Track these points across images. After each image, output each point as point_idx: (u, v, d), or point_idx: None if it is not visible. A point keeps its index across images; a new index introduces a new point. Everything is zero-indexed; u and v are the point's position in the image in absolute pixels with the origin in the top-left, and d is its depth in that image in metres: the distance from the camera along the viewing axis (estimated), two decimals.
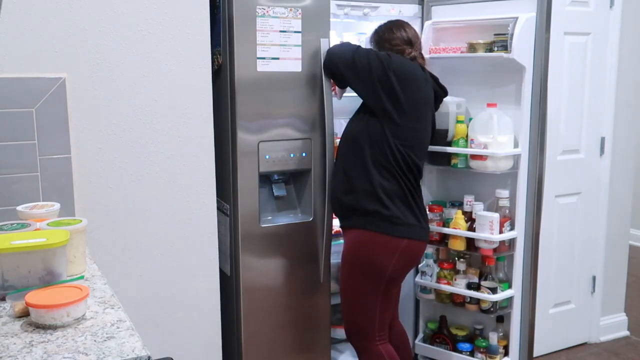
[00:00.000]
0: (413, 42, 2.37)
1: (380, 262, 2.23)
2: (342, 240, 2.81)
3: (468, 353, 2.85)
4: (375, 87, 2.21)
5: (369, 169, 2.23)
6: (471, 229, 2.68)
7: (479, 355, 2.81)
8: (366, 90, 2.26)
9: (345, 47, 2.36)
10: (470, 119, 2.73)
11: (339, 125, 2.87)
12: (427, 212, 2.47)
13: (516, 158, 2.67)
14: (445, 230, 2.74)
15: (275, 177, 2.52)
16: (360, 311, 2.30)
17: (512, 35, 2.51)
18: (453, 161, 2.76)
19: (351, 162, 2.29)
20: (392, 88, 2.19)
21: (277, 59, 2.32)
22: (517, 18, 2.52)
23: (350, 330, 2.37)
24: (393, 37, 2.36)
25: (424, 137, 2.33)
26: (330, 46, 2.38)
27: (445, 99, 2.71)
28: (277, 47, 2.31)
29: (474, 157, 2.68)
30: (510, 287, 2.75)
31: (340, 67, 2.30)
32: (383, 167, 2.22)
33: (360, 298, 2.30)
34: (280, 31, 2.31)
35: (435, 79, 2.41)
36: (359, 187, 2.25)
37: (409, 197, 2.24)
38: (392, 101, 2.20)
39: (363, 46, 2.46)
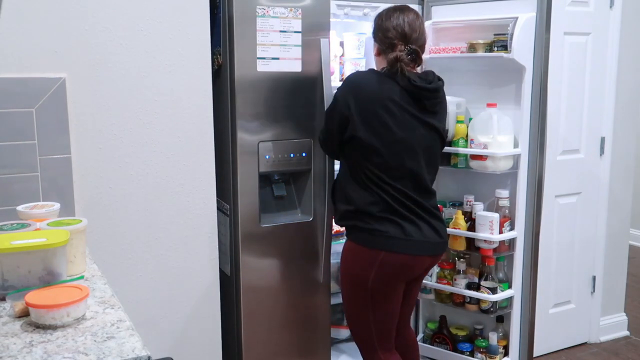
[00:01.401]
0: (408, 36, 2.10)
1: (360, 274, 2.14)
2: (342, 240, 2.82)
3: (468, 353, 2.85)
4: (346, 125, 2.12)
5: (345, 186, 2.19)
6: (471, 229, 2.68)
7: (479, 355, 2.81)
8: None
9: (322, 130, 2.29)
10: (470, 119, 2.73)
11: None
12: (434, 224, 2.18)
13: (516, 158, 2.67)
14: None
15: (275, 177, 2.52)
16: (355, 321, 2.27)
17: (512, 35, 2.51)
18: (453, 161, 2.76)
19: (338, 183, 2.27)
20: (346, 108, 2.09)
21: (277, 59, 2.32)
22: (517, 18, 2.52)
23: (354, 338, 2.34)
24: (389, 27, 2.12)
25: (396, 141, 2.07)
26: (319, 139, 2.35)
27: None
28: (277, 47, 2.31)
29: (474, 157, 2.68)
30: (510, 287, 2.75)
31: (331, 137, 2.21)
32: (356, 183, 2.14)
33: (353, 309, 2.25)
34: (280, 31, 2.31)
35: (409, 78, 2.07)
36: (340, 206, 2.22)
37: (389, 209, 2.09)
38: (350, 119, 2.09)
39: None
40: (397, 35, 2.11)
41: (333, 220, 2.52)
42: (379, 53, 2.20)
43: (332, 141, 2.21)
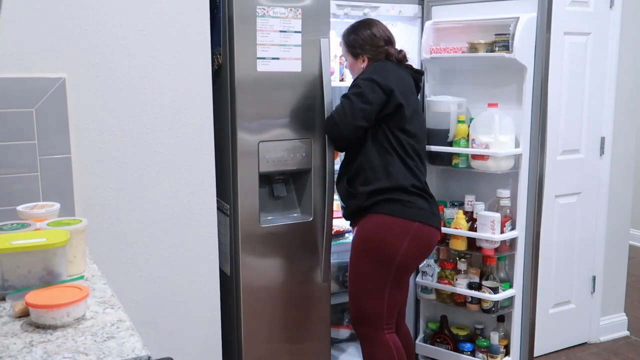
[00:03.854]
0: (392, 39, 2.43)
1: (391, 245, 2.24)
2: (342, 240, 2.82)
3: (469, 353, 2.85)
4: (381, 108, 2.27)
5: (373, 166, 2.29)
6: (472, 228, 2.68)
7: (480, 355, 2.81)
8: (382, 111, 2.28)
9: (339, 110, 2.29)
10: (472, 119, 2.73)
11: None
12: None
13: (517, 158, 2.67)
14: (447, 230, 2.74)
15: (276, 177, 2.51)
16: (368, 297, 2.31)
17: (513, 35, 2.51)
18: (454, 161, 2.76)
19: (359, 166, 2.33)
20: (393, 98, 2.26)
21: (277, 59, 2.32)
22: (518, 18, 2.52)
23: (356, 317, 2.37)
24: (375, 38, 2.38)
25: (422, 124, 2.45)
26: (327, 121, 2.35)
27: (446, 99, 2.72)
28: (277, 47, 2.31)
29: (475, 157, 2.68)
30: (511, 286, 2.75)
31: (360, 120, 2.25)
32: (390, 160, 2.28)
33: (369, 283, 2.30)
34: (280, 31, 2.31)
35: (410, 67, 2.46)
36: (364, 188, 2.29)
37: (418, 184, 2.31)
38: (395, 105, 2.27)
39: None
40: (385, 42, 2.40)
41: (333, 219, 2.53)
42: (369, 62, 2.40)
43: (366, 117, 2.25)
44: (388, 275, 2.26)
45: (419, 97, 2.48)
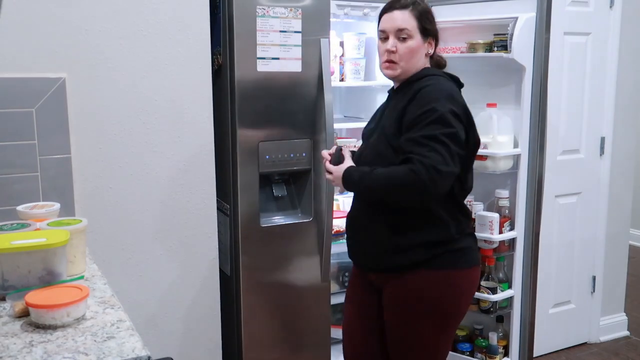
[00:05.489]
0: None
1: (456, 301, 1.87)
2: (342, 240, 2.81)
3: (468, 353, 2.85)
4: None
5: (432, 211, 1.83)
6: None
7: (479, 355, 2.81)
8: None
9: (438, 159, 1.65)
10: None
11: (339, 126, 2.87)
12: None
13: (516, 158, 2.67)
14: None
15: (276, 177, 2.52)
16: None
17: (511, 35, 2.51)
18: None
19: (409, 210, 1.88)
20: None
21: (277, 59, 2.32)
22: (516, 18, 2.52)
23: None
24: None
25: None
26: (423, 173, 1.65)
27: None
28: (277, 47, 2.31)
29: None
30: (510, 287, 2.75)
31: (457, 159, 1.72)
32: (449, 202, 1.84)
33: (438, 347, 1.91)
34: (280, 31, 2.31)
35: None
36: (417, 237, 1.84)
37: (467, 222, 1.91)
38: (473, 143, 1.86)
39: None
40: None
41: (333, 219, 2.52)
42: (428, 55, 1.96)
43: (457, 163, 1.72)
44: (452, 332, 1.95)
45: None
